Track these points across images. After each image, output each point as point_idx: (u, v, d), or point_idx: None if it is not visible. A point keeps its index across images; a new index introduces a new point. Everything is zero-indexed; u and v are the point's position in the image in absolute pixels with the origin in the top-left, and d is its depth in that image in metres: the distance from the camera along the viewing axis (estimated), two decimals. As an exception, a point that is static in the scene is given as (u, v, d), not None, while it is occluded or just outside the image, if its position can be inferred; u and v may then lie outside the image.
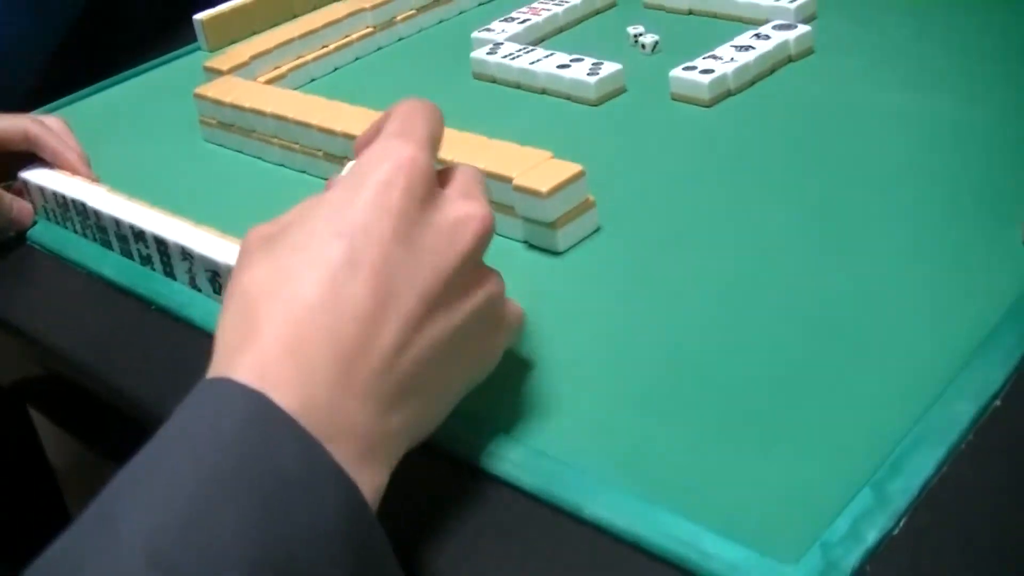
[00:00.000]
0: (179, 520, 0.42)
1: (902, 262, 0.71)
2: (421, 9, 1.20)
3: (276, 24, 1.26)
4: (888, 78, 0.96)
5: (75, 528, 0.43)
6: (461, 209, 0.55)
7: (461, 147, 0.81)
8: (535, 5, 1.15)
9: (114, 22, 1.35)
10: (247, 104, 0.96)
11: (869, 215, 0.77)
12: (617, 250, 0.77)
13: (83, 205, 0.88)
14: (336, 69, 1.14)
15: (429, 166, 0.55)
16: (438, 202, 0.55)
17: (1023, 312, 0.64)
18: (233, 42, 1.25)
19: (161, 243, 0.81)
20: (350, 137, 0.87)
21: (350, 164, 0.59)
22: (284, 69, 1.10)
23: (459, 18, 1.24)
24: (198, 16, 1.25)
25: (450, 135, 0.79)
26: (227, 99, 0.98)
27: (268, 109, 0.94)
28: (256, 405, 0.46)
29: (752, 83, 0.97)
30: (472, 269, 0.56)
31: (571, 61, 1.00)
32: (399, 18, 1.19)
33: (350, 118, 0.89)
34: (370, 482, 0.48)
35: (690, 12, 1.14)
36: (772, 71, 0.98)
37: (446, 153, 0.79)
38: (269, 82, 1.08)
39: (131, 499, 0.43)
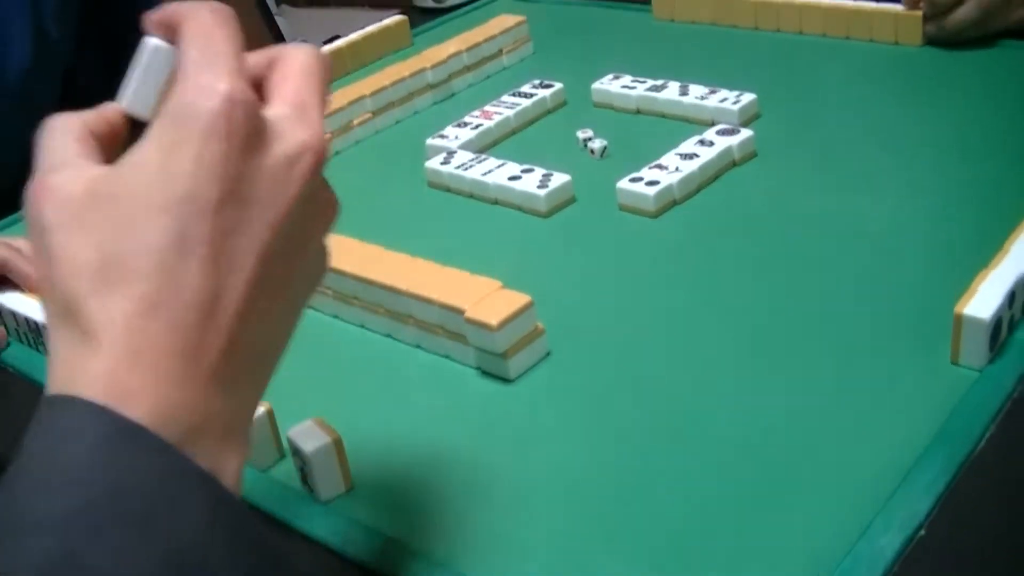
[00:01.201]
0: (56, 562, 0.41)
1: (836, 381, 0.75)
2: (377, 112, 1.23)
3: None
4: (827, 181, 1.01)
5: None
6: (291, 143, 0.50)
7: (413, 274, 0.84)
8: (487, 108, 1.18)
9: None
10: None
11: (805, 331, 0.81)
12: (566, 375, 0.81)
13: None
14: (295, 175, 1.17)
15: (247, 98, 0.49)
16: (265, 140, 0.50)
17: (949, 437, 0.67)
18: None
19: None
20: (359, 279, 0.89)
21: (143, 49, 0.54)
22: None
23: (414, 119, 1.27)
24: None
25: (403, 261, 0.84)
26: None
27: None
28: (105, 423, 0.45)
29: (697, 191, 1.00)
30: (306, 203, 0.51)
31: (522, 172, 1.03)
32: (356, 122, 1.22)
33: (354, 255, 0.91)
34: (235, 462, 0.48)
35: (637, 111, 1.18)
36: (716, 177, 1.02)
37: (397, 279, 0.83)
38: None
39: (10, 544, 0.42)
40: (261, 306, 0.50)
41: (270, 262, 0.49)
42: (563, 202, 1.01)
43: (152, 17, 0.53)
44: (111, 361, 0.46)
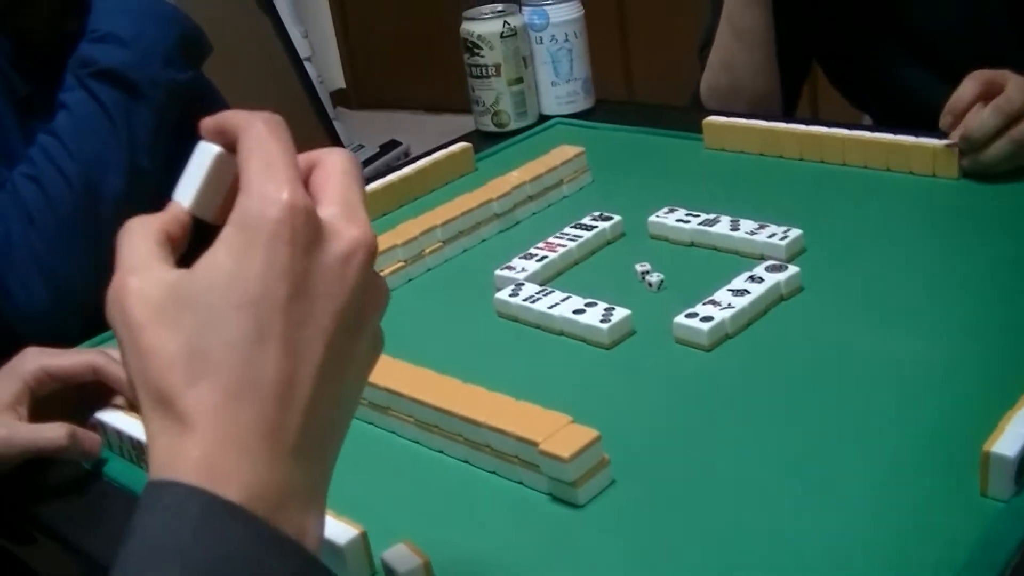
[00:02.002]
0: None
1: (874, 509, 0.83)
2: (447, 241, 1.32)
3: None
4: (868, 315, 1.09)
5: None
6: (345, 241, 0.57)
7: (489, 406, 0.93)
8: (551, 240, 1.27)
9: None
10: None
11: (844, 461, 0.89)
12: (629, 502, 0.89)
13: (158, 454, 0.99)
14: (372, 303, 1.26)
15: (307, 205, 0.56)
16: (322, 240, 0.56)
17: (977, 565, 0.75)
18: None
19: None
20: (439, 410, 0.97)
21: (198, 156, 0.62)
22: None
23: (481, 247, 1.36)
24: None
25: (479, 393, 0.93)
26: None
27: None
28: (203, 502, 0.50)
29: (748, 325, 1.09)
30: (363, 292, 0.57)
31: (585, 305, 1.12)
32: (427, 251, 1.31)
33: (390, 371, 1.00)
34: (316, 525, 0.55)
35: (692, 244, 1.26)
36: (766, 311, 1.10)
37: (475, 412, 0.92)
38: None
39: None
40: (329, 387, 0.56)
41: (335, 347, 0.56)
42: (623, 335, 1.10)
43: (208, 124, 0.61)
44: (204, 446, 0.52)
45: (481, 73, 1.70)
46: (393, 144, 4.64)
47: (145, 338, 0.54)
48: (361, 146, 4.52)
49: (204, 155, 0.62)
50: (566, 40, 1.72)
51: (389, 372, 1.01)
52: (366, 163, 4.40)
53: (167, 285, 0.56)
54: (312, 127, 3.68)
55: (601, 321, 1.09)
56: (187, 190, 0.63)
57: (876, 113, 1.91)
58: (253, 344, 0.53)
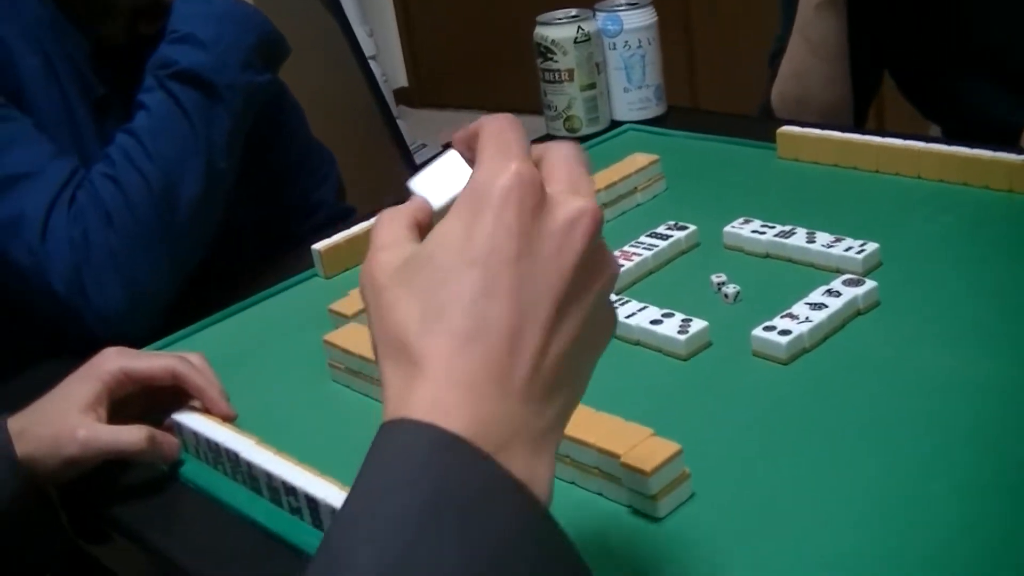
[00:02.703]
0: (395, 556, 0.52)
1: (954, 537, 0.83)
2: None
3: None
4: (943, 333, 1.08)
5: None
6: (571, 209, 0.61)
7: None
8: (627, 249, 1.27)
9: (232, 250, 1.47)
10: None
11: (923, 482, 0.89)
12: (709, 515, 0.89)
13: (236, 455, 1.00)
14: (446, 307, 1.27)
15: (533, 175, 0.61)
16: (549, 207, 0.61)
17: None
18: (347, 269, 1.38)
19: (312, 500, 0.93)
20: None
21: (442, 159, 0.70)
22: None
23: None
24: (316, 246, 1.38)
25: None
26: (354, 349, 1.10)
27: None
28: (431, 436, 0.56)
29: (824, 339, 1.08)
30: (590, 258, 0.62)
31: (662, 316, 1.12)
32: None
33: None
34: (544, 472, 0.59)
35: (767, 256, 1.26)
36: (843, 325, 1.10)
37: None
38: (388, 323, 1.20)
39: (351, 542, 0.54)
40: (557, 342, 0.60)
41: (561, 306, 0.60)
42: (700, 347, 1.10)
43: (457, 136, 0.68)
44: (435, 386, 0.57)
45: (554, 78, 1.70)
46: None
47: (385, 297, 0.61)
48: (424, 145, 4.53)
49: (450, 161, 0.70)
50: (639, 46, 1.72)
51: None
52: (429, 161, 4.40)
53: (407, 254, 0.62)
54: (376, 124, 3.68)
55: (679, 332, 1.09)
56: (435, 192, 0.69)
57: (947, 125, 1.91)
58: (482, 296, 0.59)
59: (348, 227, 1.43)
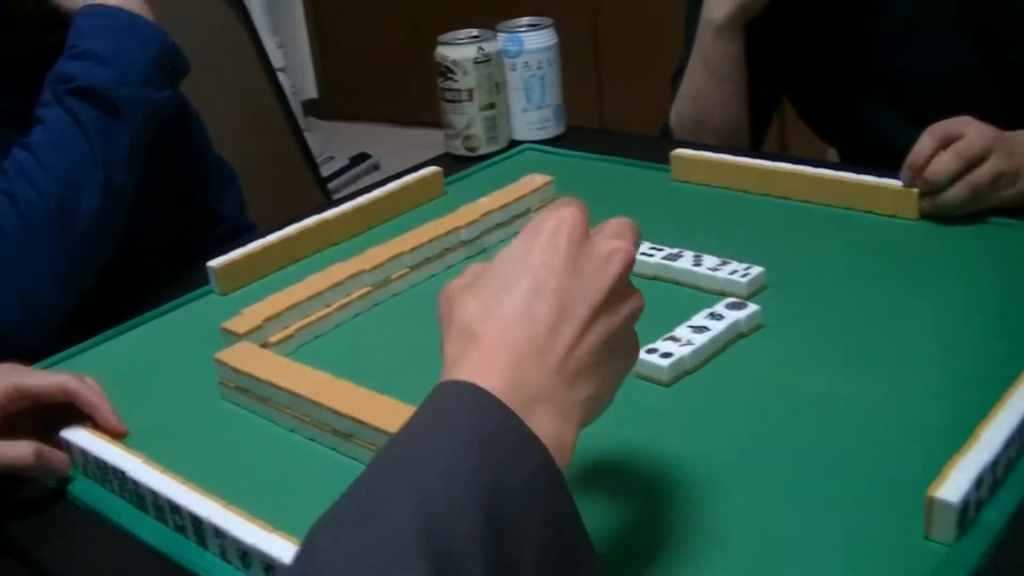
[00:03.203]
0: (436, 483, 0.62)
1: (824, 552, 0.85)
2: (414, 268, 1.34)
3: (281, 267, 1.41)
4: (825, 356, 1.11)
5: (349, 500, 0.66)
6: (610, 244, 0.77)
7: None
8: (516, 269, 1.29)
9: (129, 268, 1.47)
10: (263, 376, 1.09)
11: (796, 498, 0.92)
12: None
13: (123, 473, 1.01)
14: (338, 326, 1.28)
15: (582, 218, 0.77)
16: (594, 241, 0.76)
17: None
18: (243, 287, 1.39)
19: (196, 519, 0.93)
20: (355, 420, 1.00)
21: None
22: (292, 330, 1.23)
23: (447, 273, 1.38)
24: (211, 264, 1.39)
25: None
26: (245, 368, 1.11)
27: (282, 384, 1.07)
28: (470, 392, 0.68)
29: (707, 361, 1.11)
30: (622, 287, 0.77)
31: (548, 337, 1.13)
32: (394, 277, 1.33)
33: (355, 399, 1.02)
34: (568, 435, 0.71)
35: (655, 278, 1.28)
36: (725, 348, 1.13)
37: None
38: (280, 341, 1.21)
39: (398, 472, 0.65)
40: (590, 338, 0.74)
41: (597, 314, 0.74)
42: (585, 367, 1.11)
43: None
44: (482, 352, 0.71)
45: (454, 97, 1.72)
46: (363, 156, 4.65)
47: (456, 300, 0.76)
48: (331, 158, 4.53)
49: None
50: (539, 67, 1.74)
51: (356, 397, 1.04)
52: (335, 175, 4.40)
53: (477, 269, 0.78)
54: (284, 137, 3.68)
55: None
56: None
57: (844, 149, 1.94)
58: (531, 296, 0.73)
59: (247, 242, 1.43)
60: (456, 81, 1.70)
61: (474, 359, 0.71)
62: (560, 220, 0.76)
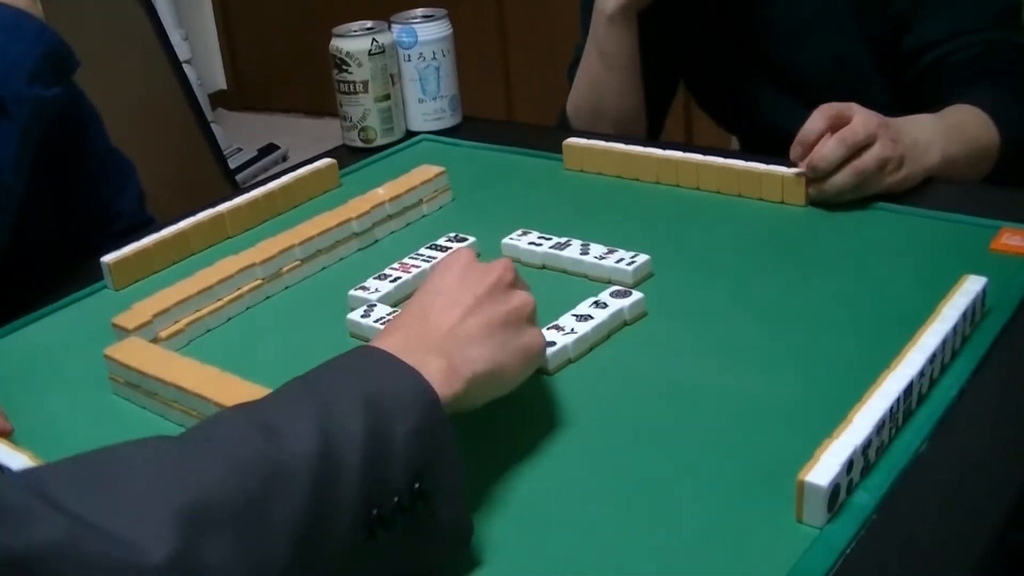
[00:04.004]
0: (330, 394, 0.80)
1: (698, 531, 0.87)
2: (305, 260, 1.35)
3: (176, 262, 1.41)
4: (705, 344, 1.13)
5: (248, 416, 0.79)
6: (492, 264, 0.98)
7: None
8: (406, 261, 1.30)
9: (19, 263, 1.46)
10: (151, 371, 1.09)
11: (674, 484, 0.93)
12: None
13: (7, 471, 1.01)
14: (230, 319, 1.28)
15: (472, 254, 1.00)
16: (478, 264, 0.98)
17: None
18: (137, 282, 1.39)
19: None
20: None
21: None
22: (183, 324, 1.23)
23: (340, 265, 1.38)
24: (105, 259, 1.38)
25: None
26: (133, 364, 1.11)
27: (170, 379, 1.07)
28: (367, 349, 0.88)
29: (590, 350, 1.12)
30: (505, 287, 0.97)
31: (434, 328, 1.14)
32: (285, 270, 1.33)
33: (241, 394, 1.02)
34: (454, 372, 0.87)
35: (543, 267, 1.30)
36: (609, 336, 1.14)
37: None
38: (171, 336, 1.22)
39: (304, 390, 0.83)
40: (475, 319, 0.93)
41: (481, 303, 0.94)
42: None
43: None
44: (385, 333, 0.93)
45: (349, 89, 1.72)
46: (271, 148, 4.64)
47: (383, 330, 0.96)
48: (239, 149, 4.51)
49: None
50: (434, 58, 1.74)
51: (240, 389, 1.04)
52: (244, 166, 4.39)
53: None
54: (189, 129, 3.66)
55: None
56: None
57: (744, 138, 1.96)
58: (429, 296, 0.96)
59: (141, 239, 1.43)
60: (351, 73, 1.71)
61: (377, 337, 0.92)
62: (454, 254, 1.00)
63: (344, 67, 1.71)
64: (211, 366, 1.10)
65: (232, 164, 4.13)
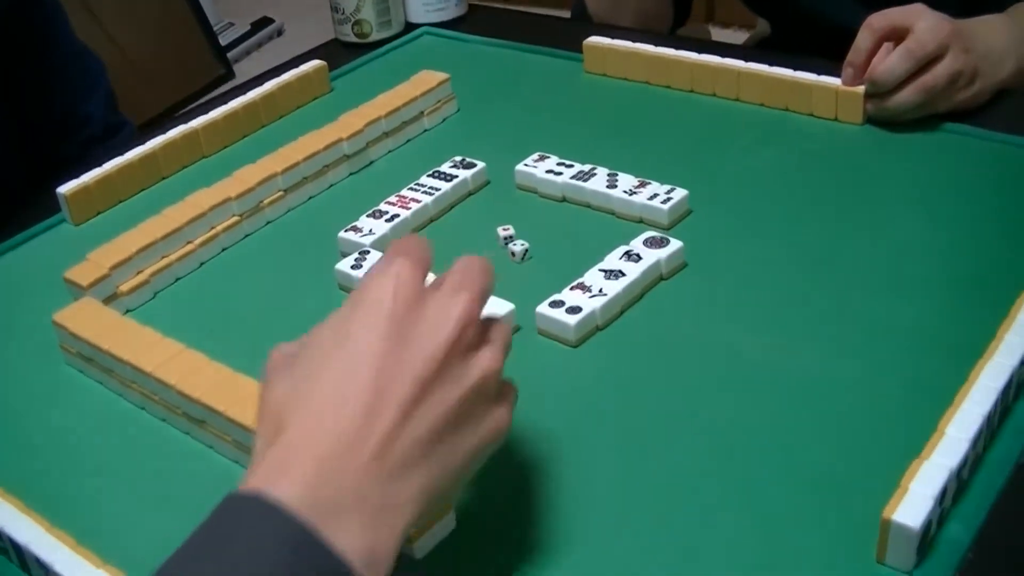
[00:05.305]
0: None
1: (753, 564, 0.72)
2: (289, 190, 1.17)
3: (144, 189, 1.23)
4: (757, 299, 0.97)
5: None
6: (444, 301, 0.65)
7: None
8: (404, 193, 1.13)
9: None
10: (104, 346, 0.93)
11: (723, 501, 0.77)
12: (471, 553, 0.76)
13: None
14: (202, 264, 1.11)
15: (417, 274, 0.66)
16: (427, 299, 0.65)
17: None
18: (99, 214, 1.22)
19: (15, 545, 0.78)
20: (206, 406, 0.84)
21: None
22: (147, 275, 1.06)
23: (329, 193, 1.21)
24: (61, 190, 1.21)
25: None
26: (85, 335, 0.95)
27: (126, 356, 0.91)
28: (258, 510, 0.57)
29: (622, 313, 0.95)
30: (463, 349, 0.65)
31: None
32: (266, 203, 1.16)
33: (207, 380, 0.86)
34: (382, 547, 0.59)
35: (563, 199, 1.12)
36: (642, 295, 0.98)
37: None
38: (133, 290, 1.05)
39: None
40: (416, 421, 0.62)
41: (428, 388, 0.63)
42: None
43: None
44: (284, 449, 0.60)
45: (341, -24, 1.53)
46: (266, 21, 4.38)
47: (270, 379, 0.66)
48: (231, 24, 4.27)
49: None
50: (437, -62, 1.55)
51: (210, 375, 0.89)
52: (236, 43, 4.16)
53: (293, 347, 0.68)
54: (175, 2, 3.48)
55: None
56: None
57: (776, 21, 1.77)
58: (343, 377, 0.62)
59: (119, 144, 1.28)
60: (343, -42, 1.52)
61: (273, 459, 0.60)
62: (386, 278, 0.65)
63: (335, -49, 1.52)
64: (173, 341, 0.93)
65: (223, 41, 3.93)
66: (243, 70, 3.93)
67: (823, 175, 1.14)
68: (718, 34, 2.30)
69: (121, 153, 1.25)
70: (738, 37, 2.17)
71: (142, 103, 2.88)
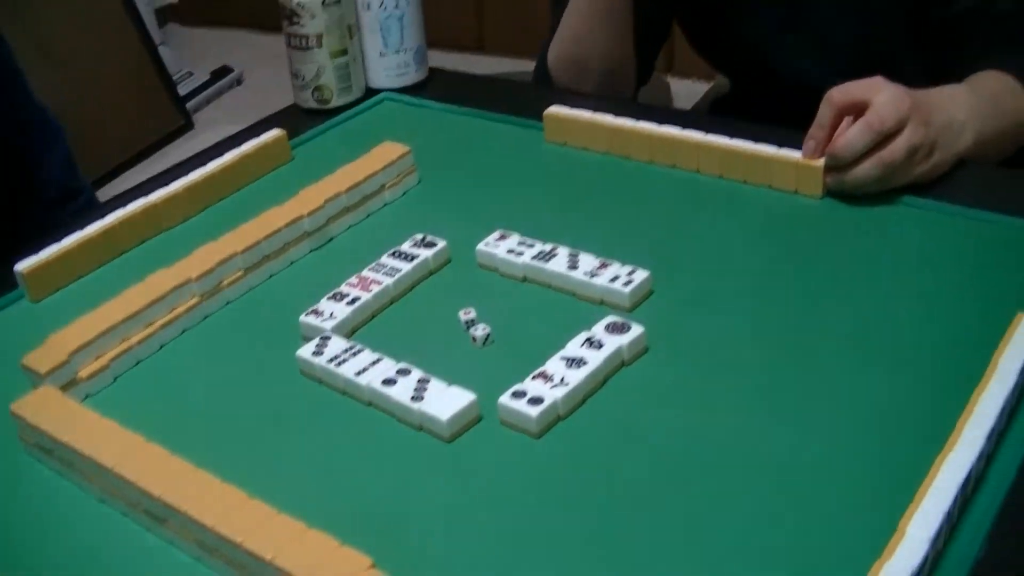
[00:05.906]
0: None
1: None
2: (249, 270, 1.16)
3: (104, 263, 1.23)
4: (719, 384, 0.97)
5: None
6: None
7: (273, 535, 0.80)
8: (365, 274, 1.12)
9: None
10: (64, 438, 0.92)
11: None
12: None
13: None
14: (163, 347, 1.10)
15: None
16: None
17: None
18: (58, 290, 1.21)
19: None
20: (166, 504, 0.84)
21: None
22: (106, 359, 1.05)
23: (289, 271, 1.20)
24: (18, 267, 1.20)
25: (262, 514, 0.81)
26: (44, 426, 0.94)
27: (86, 450, 0.91)
28: None
29: (584, 401, 0.95)
30: None
31: (397, 373, 0.97)
32: (226, 282, 1.15)
33: (167, 475, 0.86)
34: None
35: (524, 279, 1.12)
36: (605, 382, 0.97)
37: (255, 540, 0.79)
38: (93, 375, 1.04)
39: None
40: None
41: None
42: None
43: None
44: None
45: (301, 44, 1.53)
46: (225, 71, 4.36)
47: None
48: (190, 73, 4.25)
49: None
50: (396, 7, 1.56)
51: (167, 476, 0.88)
52: (194, 92, 4.14)
53: None
54: (135, 53, 3.48)
55: (412, 399, 0.95)
56: None
57: (736, 77, 1.78)
58: None
59: (78, 209, 1.25)
60: (303, 26, 1.52)
61: None
62: None
63: (295, 19, 1.52)
64: (133, 433, 0.92)
65: (182, 90, 3.92)
66: (203, 119, 3.92)
67: (784, 249, 1.14)
68: (677, 85, 2.30)
69: (81, 226, 1.24)
70: (698, 89, 2.18)
71: (103, 154, 2.87)
